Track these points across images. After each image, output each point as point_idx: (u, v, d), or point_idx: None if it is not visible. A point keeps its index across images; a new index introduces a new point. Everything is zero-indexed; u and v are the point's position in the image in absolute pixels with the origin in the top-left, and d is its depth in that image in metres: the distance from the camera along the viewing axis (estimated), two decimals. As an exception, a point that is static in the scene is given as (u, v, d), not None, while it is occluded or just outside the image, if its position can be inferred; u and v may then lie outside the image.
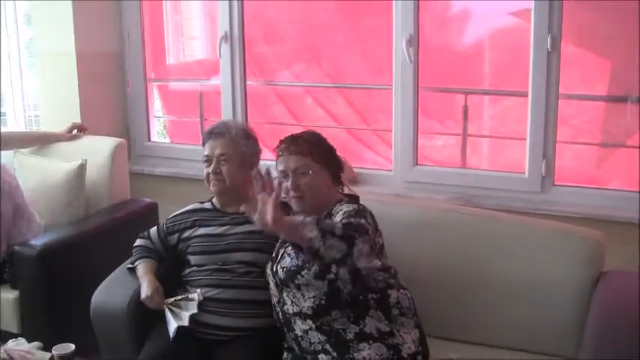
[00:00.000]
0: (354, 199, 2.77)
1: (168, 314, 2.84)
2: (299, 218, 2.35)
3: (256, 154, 3.11)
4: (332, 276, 2.53)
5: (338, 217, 2.56)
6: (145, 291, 2.90)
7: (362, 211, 2.60)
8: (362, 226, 2.46)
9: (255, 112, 4.77)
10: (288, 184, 2.67)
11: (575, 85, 4.04)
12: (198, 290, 2.87)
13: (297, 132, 2.83)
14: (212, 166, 3.02)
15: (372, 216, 2.63)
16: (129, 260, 3.14)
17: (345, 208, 2.62)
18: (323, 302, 2.55)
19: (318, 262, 2.39)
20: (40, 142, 4.08)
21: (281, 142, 2.78)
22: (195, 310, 2.81)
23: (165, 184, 4.69)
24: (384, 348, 2.50)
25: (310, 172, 2.68)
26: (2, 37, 4.75)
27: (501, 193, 3.93)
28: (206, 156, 3.06)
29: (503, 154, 4.59)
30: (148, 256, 3.11)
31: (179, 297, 2.89)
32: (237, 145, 3.04)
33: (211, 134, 3.08)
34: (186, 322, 2.79)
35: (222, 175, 3.01)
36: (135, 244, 3.18)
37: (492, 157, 4.64)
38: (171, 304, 2.87)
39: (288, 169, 2.70)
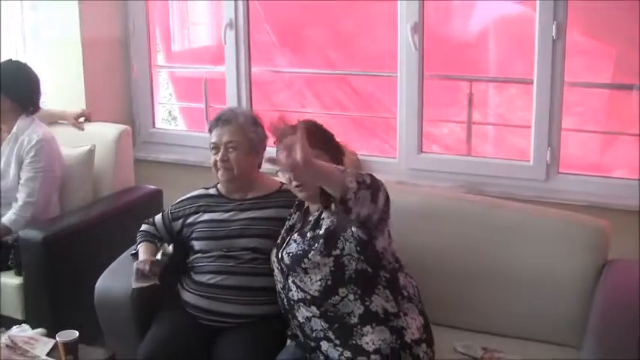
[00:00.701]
0: None
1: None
2: (332, 165, 2.38)
3: (263, 140, 3.06)
4: (337, 252, 2.54)
5: None
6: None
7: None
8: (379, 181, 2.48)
9: (259, 99, 4.76)
10: (290, 175, 2.67)
11: (580, 72, 4.03)
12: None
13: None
14: (220, 153, 2.99)
15: None
16: (133, 247, 3.15)
17: None
18: (329, 283, 2.55)
19: (342, 213, 2.36)
20: (45, 120, 4.06)
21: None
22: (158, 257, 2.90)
23: (169, 170, 4.68)
24: (387, 332, 2.49)
25: None
26: (8, 23, 4.75)
27: (506, 180, 3.92)
28: (213, 143, 3.03)
29: (508, 141, 4.58)
30: (149, 240, 3.11)
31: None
32: (245, 133, 3.01)
33: (218, 121, 3.05)
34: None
35: (229, 162, 2.98)
36: (139, 230, 3.19)
37: (497, 145, 4.64)
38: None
39: None
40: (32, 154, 3.67)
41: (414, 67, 4.01)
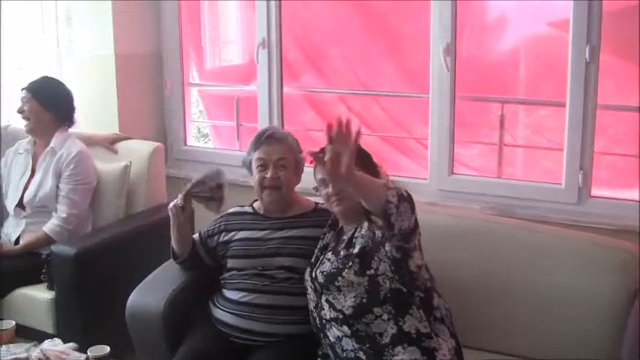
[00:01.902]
0: None
1: None
2: (373, 178, 2.42)
3: (303, 161, 3.10)
4: (372, 271, 2.55)
5: None
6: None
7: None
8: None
9: (289, 118, 4.77)
10: (328, 190, 2.68)
11: (611, 94, 4.00)
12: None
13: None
14: (270, 171, 2.98)
15: None
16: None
17: None
18: (364, 301, 2.55)
19: (385, 229, 2.40)
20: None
21: (321, 150, 2.76)
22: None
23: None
24: (418, 353, 2.49)
25: None
26: (41, 39, 4.80)
27: (537, 203, 3.89)
28: (260, 159, 3.01)
29: (538, 163, 4.56)
30: None
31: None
32: (294, 152, 3.04)
33: (270, 139, 3.03)
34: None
35: (280, 180, 2.98)
36: None
37: (527, 167, 4.62)
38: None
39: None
40: (72, 166, 3.80)
41: (446, 88, 4.00)
